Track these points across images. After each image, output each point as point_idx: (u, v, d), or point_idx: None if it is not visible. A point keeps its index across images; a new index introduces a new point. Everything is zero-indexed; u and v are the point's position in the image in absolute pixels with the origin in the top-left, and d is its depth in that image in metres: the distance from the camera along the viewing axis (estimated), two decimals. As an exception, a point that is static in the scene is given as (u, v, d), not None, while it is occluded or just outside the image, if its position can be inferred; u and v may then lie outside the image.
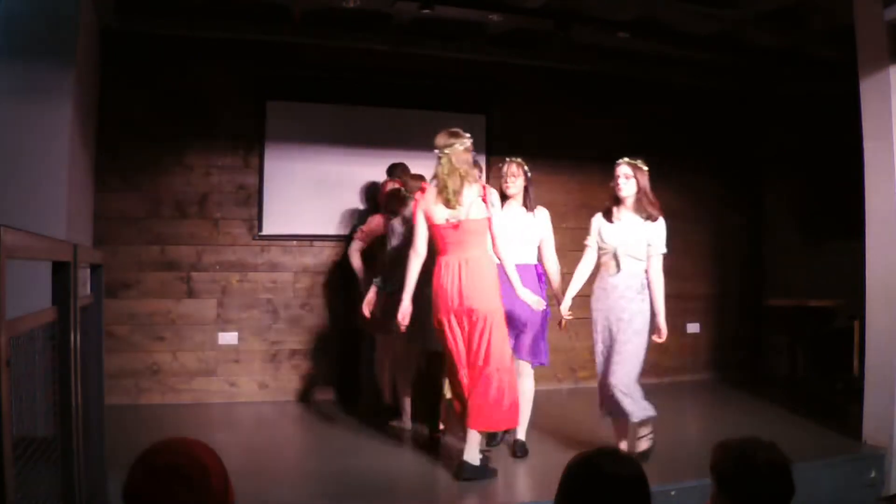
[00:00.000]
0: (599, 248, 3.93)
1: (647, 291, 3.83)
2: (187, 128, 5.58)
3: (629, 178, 3.83)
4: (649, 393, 3.91)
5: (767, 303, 6.96)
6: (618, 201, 3.89)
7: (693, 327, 6.91)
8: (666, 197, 6.69)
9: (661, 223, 3.88)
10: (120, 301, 5.35)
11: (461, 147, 3.72)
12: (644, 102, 6.73)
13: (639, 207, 3.85)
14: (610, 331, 3.84)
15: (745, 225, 7.17)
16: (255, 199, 5.74)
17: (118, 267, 5.30)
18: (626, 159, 3.88)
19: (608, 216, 3.92)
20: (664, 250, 3.89)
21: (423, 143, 5.87)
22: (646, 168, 3.89)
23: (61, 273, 1.91)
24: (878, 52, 4.30)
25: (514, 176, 4.12)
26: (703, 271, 6.98)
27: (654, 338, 3.86)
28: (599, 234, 3.92)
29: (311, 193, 5.78)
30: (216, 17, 5.51)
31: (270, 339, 5.73)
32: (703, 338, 6.94)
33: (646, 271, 3.84)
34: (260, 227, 5.73)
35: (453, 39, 6.05)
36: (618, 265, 3.84)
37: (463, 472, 3.62)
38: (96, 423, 2.60)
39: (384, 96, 6.06)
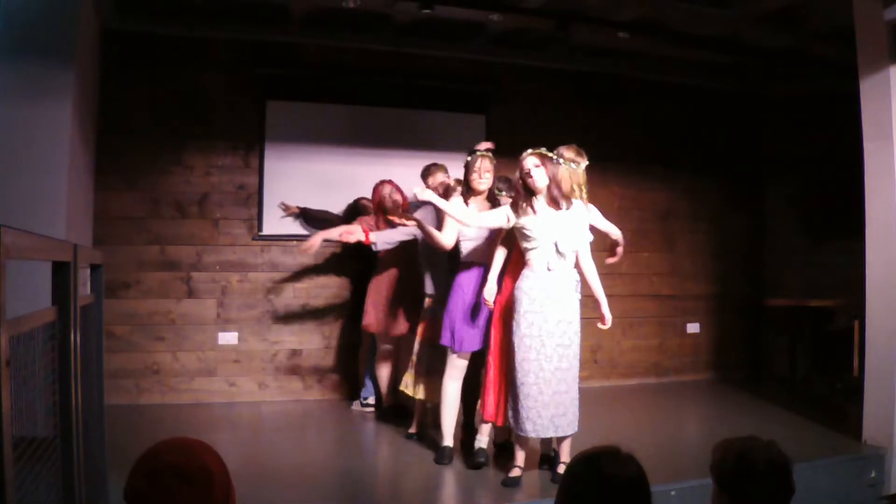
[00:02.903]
0: (524, 245, 3.59)
1: (580, 286, 3.65)
2: (187, 128, 5.57)
3: (539, 167, 3.55)
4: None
5: (767, 303, 6.95)
6: (529, 194, 3.58)
7: (693, 327, 6.91)
8: (666, 197, 6.82)
9: (593, 210, 3.75)
10: (120, 301, 5.35)
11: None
12: (644, 103, 6.73)
13: (550, 198, 3.57)
14: (552, 335, 3.50)
15: (746, 225, 7.16)
16: (255, 199, 5.73)
17: (118, 267, 5.30)
18: (531, 150, 3.59)
19: (524, 210, 3.57)
20: (591, 237, 3.73)
21: (424, 143, 5.94)
22: (553, 156, 3.64)
23: (61, 273, 1.91)
24: (878, 52, 4.31)
25: (487, 171, 3.96)
26: (703, 271, 6.98)
27: (599, 325, 3.66)
28: (524, 229, 3.57)
29: (311, 193, 5.77)
30: (216, 17, 5.51)
31: (270, 339, 5.72)
32: (703, 338, 6.94)
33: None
34: (260, 227, 5.72)
35: (453, 39, 6.05)
36: (557, 260, 3.54)
37: (477, 457, 3.88)
38: (96, 423, 2.59)
39: (384, 96, 6.05)
